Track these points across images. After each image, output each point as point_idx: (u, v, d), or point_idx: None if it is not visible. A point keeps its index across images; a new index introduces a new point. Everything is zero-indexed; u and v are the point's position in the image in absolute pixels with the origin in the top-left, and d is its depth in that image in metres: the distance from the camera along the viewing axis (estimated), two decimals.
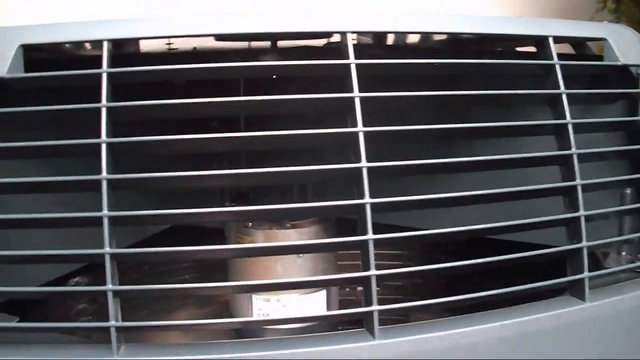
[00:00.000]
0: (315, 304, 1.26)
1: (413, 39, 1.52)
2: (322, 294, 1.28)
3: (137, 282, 1.52)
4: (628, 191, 1.13)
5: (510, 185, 0.98)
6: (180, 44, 1.50)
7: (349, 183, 0.90)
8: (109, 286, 0.86)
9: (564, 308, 0.97)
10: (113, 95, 0.90)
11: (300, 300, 1.26)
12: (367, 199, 0.88)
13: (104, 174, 0.87)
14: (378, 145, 0.91)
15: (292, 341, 0.89)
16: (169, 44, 1.48)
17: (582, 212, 0.98)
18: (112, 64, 0.91)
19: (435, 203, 0.92)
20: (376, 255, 0.89)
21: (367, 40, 1.61)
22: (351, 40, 0.93)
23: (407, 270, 0.91)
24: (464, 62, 0.98)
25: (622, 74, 1.13)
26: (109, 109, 0.89)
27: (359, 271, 0.89)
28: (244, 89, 1.40)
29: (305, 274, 1.23)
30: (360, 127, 0.89)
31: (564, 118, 1.00)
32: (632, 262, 1.13)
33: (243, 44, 1.39)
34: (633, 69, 1.11)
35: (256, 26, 0.92)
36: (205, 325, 0.92)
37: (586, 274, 0.98)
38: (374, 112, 0.91)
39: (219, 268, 1.34)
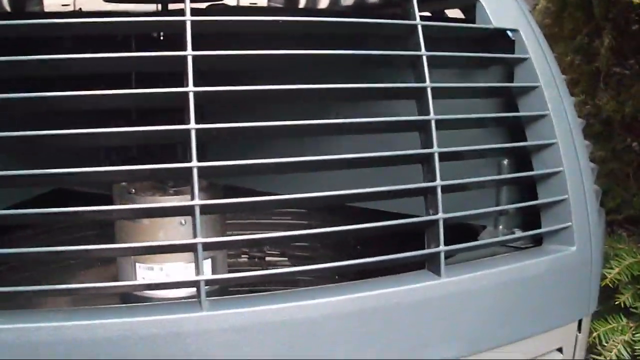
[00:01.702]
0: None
1: (324, 3, 1.46)
2: (207, 262, 1.24)
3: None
4: (505, 162, 1.09)
5: None
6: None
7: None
8: None
9: (415, 283, 0.92)
10: None
11: (185, 268, 1.22)
12: (194, 163, 0.83)
13: None
14: None
15: (117, 310, 0.85)
16: (65, 5, 1.44)
17: (438, 182, 0.93)
18: None
19: (266, 169, 0.87)
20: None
21: (279, 4, 1.56)
22: None
23: (239, 238, 0.86)
24: (315, 21, 0.92)
25: (501, 39, 1.07)
26: None
27: None
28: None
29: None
30: (190, 87, 0.84)
31: (424, 81, 0.94)
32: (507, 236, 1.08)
33: (133, 7, 1.35)
34: (512, 34, 1.05)
35: None
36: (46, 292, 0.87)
37: (442, 247, 0.93)
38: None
39: None
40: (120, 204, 1.24)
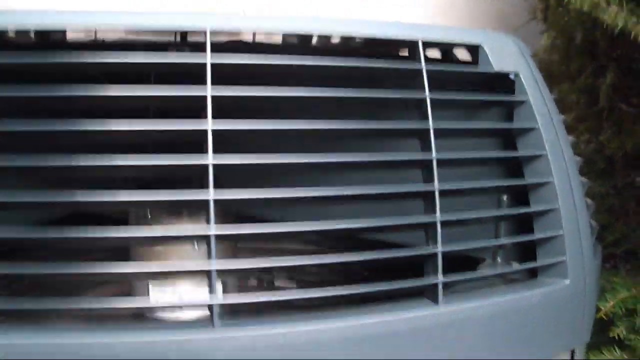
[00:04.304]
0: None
1: (335, 41, 1.52)
2: (219, 283, 1.30)
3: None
4: (505, 197, 1.14)
5: None
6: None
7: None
8: None
9: (414, 311, 0.98)
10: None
11: (197, 291, 1.28)
12: (211, 195, 0.89)
13: None
14: None
15: (128, 329, 0.91)
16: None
17: (438, 218, 0.99)
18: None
19: (284, 201, 0.94)
20: None
21: (293, 40, 1.62)
22: (209, 37, 0.93)
23: (252, 265, 0.93)
24: (327, 64, 0.98)
25: (503, 80, 1.13)
26: None
27: None
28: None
29: None
30: (209, 125, 0.90)
31: (427, 122, 1.00)
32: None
33: (151, 37, 1.41)
34: (512, 76, 1.12)
35: (113, 22, 0.94)
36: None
37: (440, 278, 0.99)
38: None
39: None
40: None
